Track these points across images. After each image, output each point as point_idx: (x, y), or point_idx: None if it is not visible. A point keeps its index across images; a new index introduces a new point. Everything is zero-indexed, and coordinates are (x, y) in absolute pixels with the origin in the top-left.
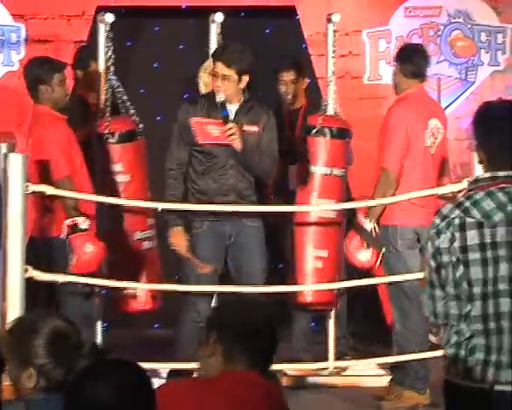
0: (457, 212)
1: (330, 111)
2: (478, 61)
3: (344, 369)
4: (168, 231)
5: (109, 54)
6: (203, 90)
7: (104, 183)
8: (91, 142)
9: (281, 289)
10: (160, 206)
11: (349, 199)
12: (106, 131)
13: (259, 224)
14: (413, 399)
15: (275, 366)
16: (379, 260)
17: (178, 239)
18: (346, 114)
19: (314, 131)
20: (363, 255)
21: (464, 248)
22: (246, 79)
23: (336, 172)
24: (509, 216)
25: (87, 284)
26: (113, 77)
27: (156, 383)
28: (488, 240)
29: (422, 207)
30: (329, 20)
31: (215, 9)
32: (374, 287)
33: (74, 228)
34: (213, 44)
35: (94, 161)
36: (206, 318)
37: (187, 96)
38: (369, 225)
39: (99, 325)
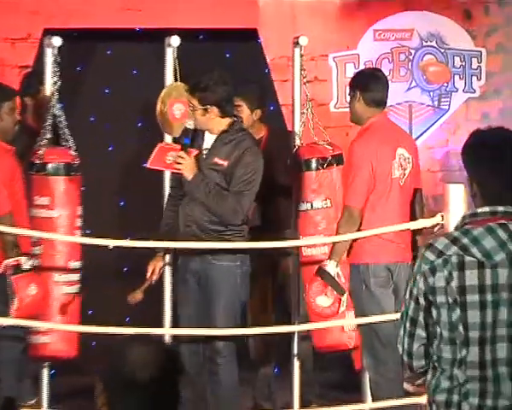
0: (455, 249)
1: (297, 140)
2: (452, 87)
3: None
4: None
5: (55, 79)
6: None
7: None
8: None
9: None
10: (111, 243)
11: None
12: (37, 161)
13: (230, 263)
14: None
15: None
16: (341, 307)
17: (152, 266)
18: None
19: (325, 163)
20: (324, 301)
21: (462, 289)
22: (214, 110)
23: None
24: (511, 256)
25: (24, 328)
26: (57, 105)
27: None
28: (488, 282)
29: (394, 242)
30: (296, 44)
31: (171, 32)
32: None
33: (17, 268)
34: (169, 70)
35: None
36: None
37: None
38: (331, 267)
39: (45, 373)
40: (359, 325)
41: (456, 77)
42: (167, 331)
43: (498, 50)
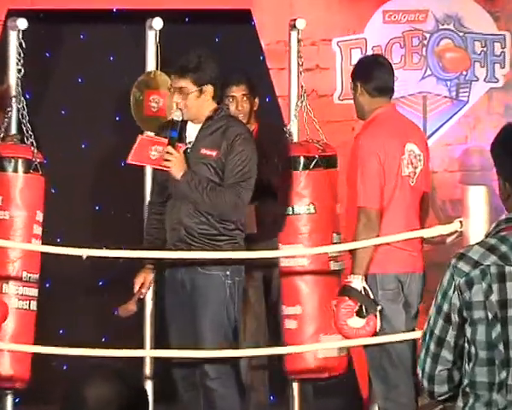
0: (493, 258)
1: (295, 137)
2: (471, 76)
3: None
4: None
5: (19, 67)
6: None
7: None
8: None
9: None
10: (84, 253)
11: None
12: None
13: (219, 273)
14: None
15: None
16: (379, 324)
17: (142, 278)
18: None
19: (312, 164)
20: (357, 322)
21: (503, 304)
22: (209, 90)
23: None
24: None
25: None
26: (19, 95)
27: None
28: None
29: (405, 249)
30: (293, 27)
31: (153, 13)
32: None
33: None
34: (150, 56)
35: None
36: None
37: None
38: (357, 283)
39: (9, 401)
40: (365, 346)
41: (477, 64)
42: (148, 353)
43: None
